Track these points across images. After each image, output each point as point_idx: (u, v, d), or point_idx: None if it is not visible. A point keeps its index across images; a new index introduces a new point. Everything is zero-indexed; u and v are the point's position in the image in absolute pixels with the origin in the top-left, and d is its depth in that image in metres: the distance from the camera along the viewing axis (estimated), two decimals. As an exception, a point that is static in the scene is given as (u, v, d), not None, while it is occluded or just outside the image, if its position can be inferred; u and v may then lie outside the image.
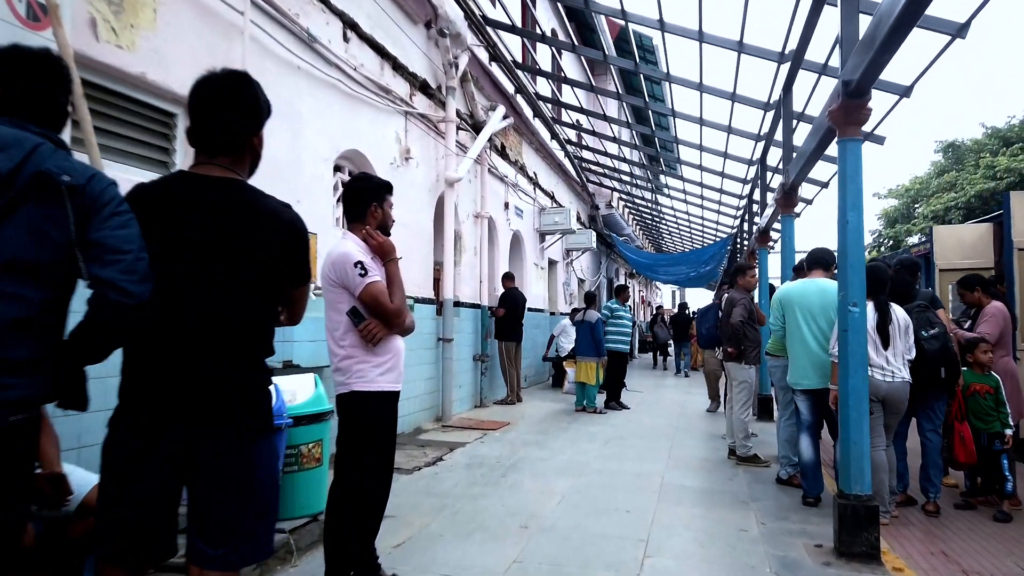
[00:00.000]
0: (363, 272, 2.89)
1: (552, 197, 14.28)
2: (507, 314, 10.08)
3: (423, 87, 7.93)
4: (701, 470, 6.08)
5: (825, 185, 9.84)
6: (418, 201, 7.88)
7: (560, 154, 14.93)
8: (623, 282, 10.84)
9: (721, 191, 14.01)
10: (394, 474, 3.19)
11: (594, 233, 15.90)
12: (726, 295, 6.80)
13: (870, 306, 4.50)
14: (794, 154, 6.57)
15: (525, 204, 12.43)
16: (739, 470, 6.12)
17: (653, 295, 41.22)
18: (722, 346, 6.73)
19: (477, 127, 9.40)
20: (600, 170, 17.69)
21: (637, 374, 16.56)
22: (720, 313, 7.53)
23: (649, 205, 21.51)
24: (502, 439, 7.30)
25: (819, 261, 5.12)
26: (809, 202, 11.37)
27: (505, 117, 10.73)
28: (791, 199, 6.57)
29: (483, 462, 6.14)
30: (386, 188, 3.18)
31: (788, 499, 5.16)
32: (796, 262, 6.90)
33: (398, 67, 7.32)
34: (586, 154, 17.04)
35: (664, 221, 22.40)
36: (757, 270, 8.19)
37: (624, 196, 21.09)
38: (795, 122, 7.54)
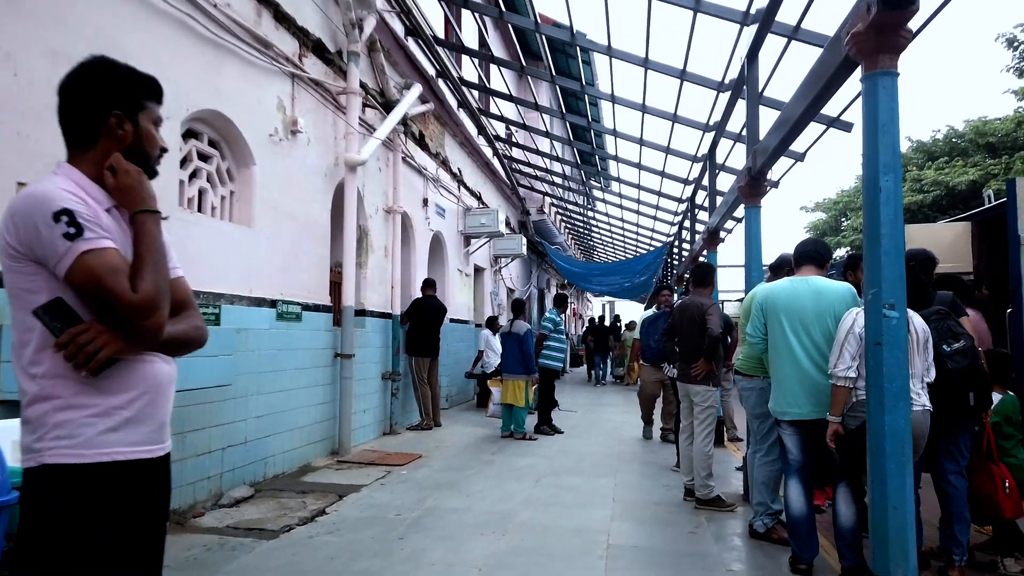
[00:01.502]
0: (73, 230, 1.48)
1: (479, 198, 13.01)
2: (417, 325, 8.71)
3: (317, 48, 6.52)
4: (655, 521, 4.85)
5: (801, 158, 8.45)
6: (310, 186, 6.44)
7: (488, 152, 13.69)
8: (556, 292, 9.53)
9: (660, 193, 13.04)
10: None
11: (524, 238, 14.70)
12: (680, 301, 5.61)
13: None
14: (761, 135, 5.50)
15: (448, 203, 11.10)
16: (701, 518, 4.92)
17: (584, 307, 40.42)
18: (677, 363, 5.55)
19: (389, 107, 8.03)
20: (531, 171, 16.55)
21: (569, 390, 15.39)
22: (673, 323, 6.39)
23: (582, 213, 20.50)
24: (409, 479, 5.91)
25: (810, 255, 3.97)
26: (775, 184, 9.76)
27: (424, 101, 9.43)
28: (757, 186, 5.48)
29: (378, 516, 4.73)
30: (144, 85, 1.75)
31: (771, 563, 3.98)
32: (762, 259, 5.80)
33: (282, 17, 5.90)
34: (517, 153, 15.87)
35: (597, 228, 21.44)
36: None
37: (556, 202, 20.03)
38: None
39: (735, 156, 9.56)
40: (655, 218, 15.47)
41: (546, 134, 12.19)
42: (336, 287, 7.18)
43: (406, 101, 8.09)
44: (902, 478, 2.65)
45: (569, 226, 23.90)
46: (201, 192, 5.14)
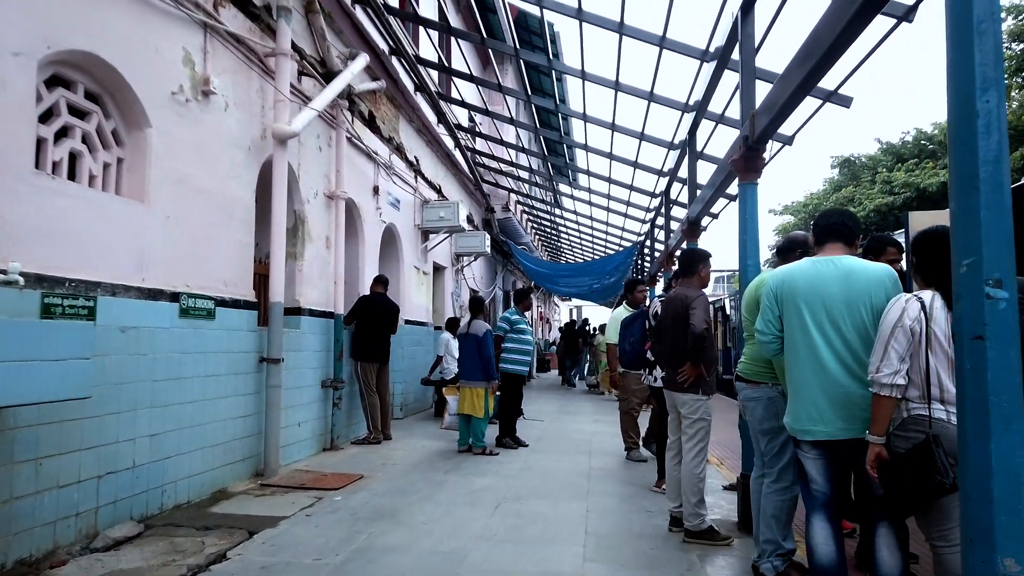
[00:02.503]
0: None
1: (439, 191, 12.06)
2: (364, 326, 7.74)
3: (238, -2, 5.56)
4: (638, 561, 3.96)
5: (790, 141, 7.62)
6: (228, 159, 5.45)
7: (450, 143, 12.77)
8: (516, 288, 8.58)
9: (632, 188, 12.25)
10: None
11: (488, 235, 13.79)
12: (661, 297, 4.72)
13: (936, 300, 2.58)
14: (757, 96, 4.68)
15: (403, 193, 10.14)
16: (693, 555, 4.05)
17: (552, 312, 39.61)
18: (663, 368, 4.69)
19: (331, 78, 7.06)
20: (496, 166, 15.66)
21: (535, 396, 14.50)
22: (651, 321, 5.53)
23: (549, 212, 19.68)
24: (342, 507, 4.94)
25: (836, 229, 3.11)
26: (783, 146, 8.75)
27: (375, 78, 8.48)
28: (755, 158, 4.64)
29: (291, 563, 3.77)
30: None
31: (788, 621, 3.12)
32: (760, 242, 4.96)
33: (190, -46, 4.92)
34: (481, 146, 14.97)
35: (565, 228, 20.63)
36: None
37: (522, 200, 19.16)
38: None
39: (717, 142, 8.89)
40: (626, 215, 14.69)
41: (511, 120, 11.32)
42: (265, 281, 6.19)
43: (350, 71, 7.13)
44: (1018, 540, 1.80)
45: (536, 226, 23.06)
46: (74, 156, 4.13)
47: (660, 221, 13.08)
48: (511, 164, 14.78)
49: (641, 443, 7.14)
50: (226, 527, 4.33)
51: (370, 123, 8.67)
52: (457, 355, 8.43)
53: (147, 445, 4.41)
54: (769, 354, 3.28)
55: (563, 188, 16.70)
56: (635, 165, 10.78)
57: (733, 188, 8.41)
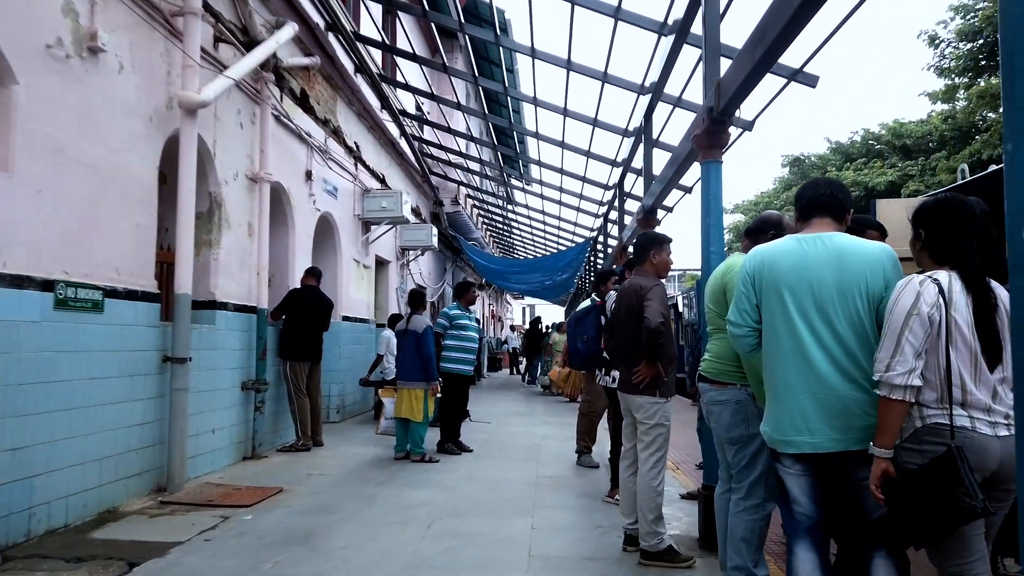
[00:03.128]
0: None
1: (382, 181, 11.39)
2: (294, 322, 7.08)
3: (136, -56, 4.84)
4: (588, 589, 3.43)
5: (749, 127, 7.12)
6: (123, 129, 4.73)
7: (395, 131, 12.10)
8: (474, 289, 7.95)
9: (584, 179, 11.78)
10: None
11: (435, 228, 13.16)
12: (614, 290, 4.17)
13: (954, 282, 2.12)
14: (722, 67, 4.20)
15: (342, 181, 9.46)
16: (650, 582, 3.54)
17: (504, 309, 39.10)
18: (615, 367, 4.17)
19: (254, 47, 6.37)
20: (444, 156, 15.04)
21: (485, 397, 13.93)
22: (606, 317, 5.01)
23: (501, 206, 19.15)
24: (249, 530, 4.29)
25: (824, 202, 2.59)
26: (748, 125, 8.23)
27: (308, 54, 7.81)
28: (719, 133, 4.16)
29: (174, 603, 3.13)
30: None
31: (764, 668, 2.62)
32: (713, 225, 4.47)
33: None
34: (428, 134, 14.34)
35: (517, 224, 20.12)
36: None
37: (473, 194, 18.59)
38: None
39: (674, 129, 8.50)
40: (578, 209, 14.24)
41: (458, 105, 10.73)
42: (167, 269, 5.48)
43: (275, 40, 6.45)
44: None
45: (487, 221, 22.51)
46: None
47: (614, 215, 12.67)
48: (460, 155, 14.17)
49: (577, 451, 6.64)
50: (103, 557, 3.65)
51: (303, 102, 7.97)
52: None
53: (7, 461, 3.69)
54: (743, 350, 2.76)
55: (515, 182, 16.18)
56: (588, 155, 10.31)
57: (688, 178, 8.02)
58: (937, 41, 18.28)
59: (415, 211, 13.90)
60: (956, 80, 18.39)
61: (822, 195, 2.60)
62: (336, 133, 9.15)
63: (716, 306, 3.25)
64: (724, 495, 3.27)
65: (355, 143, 10.02)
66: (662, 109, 7.43)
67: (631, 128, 8.70)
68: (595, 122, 8.88)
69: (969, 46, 17.44)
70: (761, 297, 2.59)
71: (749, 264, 2.64)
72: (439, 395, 7.01)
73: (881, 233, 3.57)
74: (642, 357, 3.78)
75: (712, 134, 4.17)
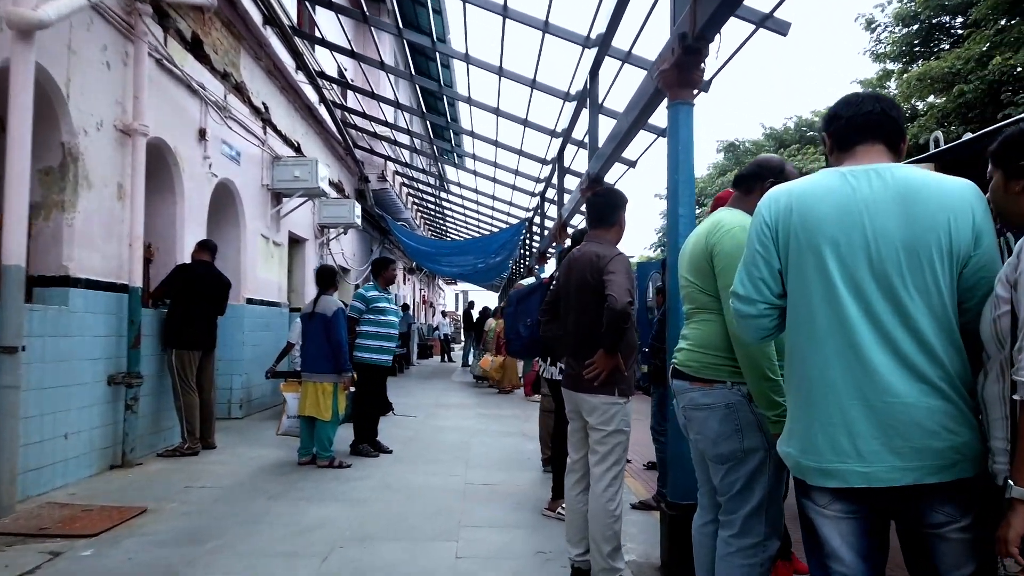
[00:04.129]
0: None
1: (298, 149, 10.25)
2: (183, 303, 6.02)
3: None
4: (526, 652, 2.60)
5: (706, 87, 6.47)
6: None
7: (314, 97, 10.95)
8: (394, 266, 6.90)
9: (521, 153, 10.93)
10: None
11: (357, 205, 12.08)
12: (570, 256, 3.30)
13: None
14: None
15: (247, 145, 8.31)
16: (606, 636, 2.73)
17: (436, 295, 38.02)
18: (564, 358, 3.33)
19: (123, -29, 5.23)
20: (370, 128, 13.93)
21: (413, 387, 12.97)
22: (556, 296, 4.17)
23: (432, 184, 18.13)
24: (85, 570, 3.28)
25: (875, 123, 1.75)
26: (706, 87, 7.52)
27: (200, -9, 6.65)
28: (691, 68, 3.35)
29: None
30: None
31: None
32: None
33: None
34: (352, 103, 13.22)
35: (449, 202, 19.12)
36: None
37: (402, 171, 17.50)
38: None
39: (621, 89, 7.75)
40: (514, 187, 13.38)
41: (381, 64, 9.69)
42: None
43: (149, -39, 5.33)
44: None
45: (417, 202, 21.44)
46: None
47: (551, 193, 11.89)
48: (387, 124, 13.09)
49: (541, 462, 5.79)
50: None
51: (195, 49, 6.82)
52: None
53: None
54: (752, 336, 1.92)
55: (447, 157, 15.21)
56: (526, 123, 9.45)
57: (632, 151, 7.19)
58: (874, 25, 18.18)
59: (336, 186, 12.78)
60: (890, 66, 18.34)
61: (870, 113, 1.79)
62: (239, 90, 8.00)
63: (698, 278, 2.43)
64: (707, 528, 2.48)
65: (263, 104, 8.87)
66: (610, 67, 6.62)
67: (573, 92, 7.87)
68: (534, 84, 8.02)
69: (905, 30, 17.37)
70: (787, 258, 1.77)
71: (769, 210, 1.81)
72: (352, 389, 6.05)
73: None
74: (597, 346, 2.96)
75: (683, 68, 3.38)
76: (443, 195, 18.97)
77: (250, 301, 8.36)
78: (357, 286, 14.43)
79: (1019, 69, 13.69)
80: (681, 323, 3.28)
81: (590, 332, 3.02)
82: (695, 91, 3.46)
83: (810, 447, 1.69)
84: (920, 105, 16.45)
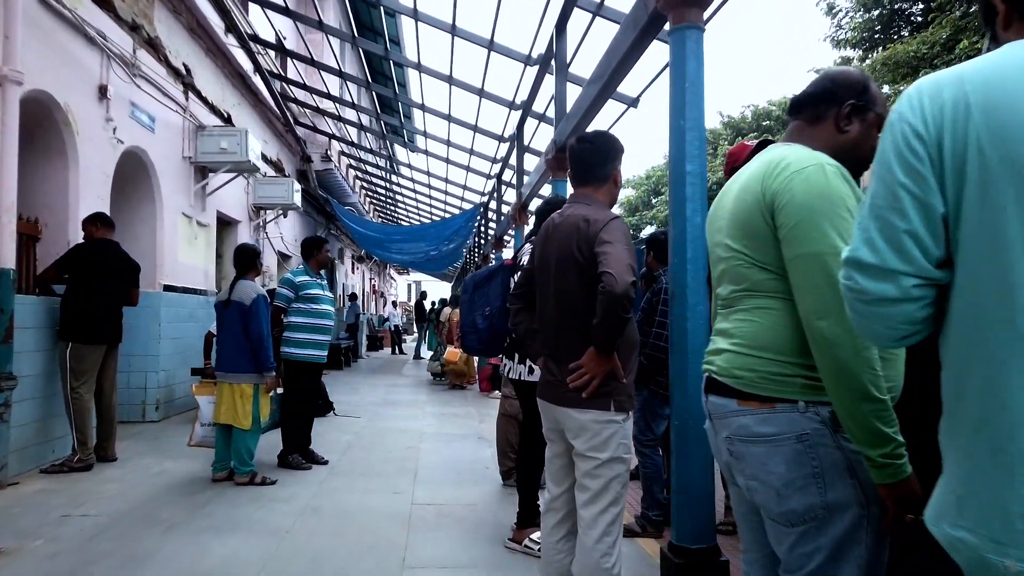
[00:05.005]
0: None
1: (228, 120, 9.21)
2: (81, 289, 5.04)
3: None
4: None
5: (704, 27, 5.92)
6: None
7: (248, 65, 9.91)
8: (327, 247, 5.90)
9: (476, 129, 10.08)
10: None
11: (297, 184, 11.07)
12: (548, 223, 2.47)
13: None
14: None
15: (162, 110, 7.28)
16: None
17: (387, 285, 36.86)
18: (539, 359, 2.51)
19: None
20: (313, 103, 12.90)
21: (360, 382, 12.04)
22: (529, 276, 3.35)
23: (382, 167, 17.13)
24: None
25: None
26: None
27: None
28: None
29: None
30: None
31: None
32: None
33: None
34: (292, 74, 12.18)
35: (400, 186, 18.12)
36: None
37: (348, 150, 16.46)
38: None
39: (591, 50, 6.96)
40: (468, 168, 12.51)
41: (319, 25, 8.71)
42: None
43: None
44: None
45: (367, 187, 20.38)
46: None
47: (508, 175, 11.09)
48: (331, 98, 12.07)
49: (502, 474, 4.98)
50: None
51: (95, -8, 5.79)
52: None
53: None
54: (884, 333, 1.09)
55: (399, 144, 14.24)
56: (481, 94, 8.60)
57: (607, 113, 6.41)
58: (835, 10, 17.83)
59: (275, 164, 11.73)
60: (850, 53, 18.03)
61: None
62: (152, 46, 6.96)
63: (748, 246, 1.63)
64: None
65: (184, 65, 7.82)
66: (579, 19, 5.81)
67: (535, 55, 7.06)
68: (491, 45, 7.17)
69: (867, 16, 17.04)
70: (961, 195, 0.99)
71: (923, 110, 1.02)
72: (280, 390, 5.15)
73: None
74: (586, 344, 2.16)
75: None
76: (393, 179, 17.99)
77: (169, 288, 7.35)
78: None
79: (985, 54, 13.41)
80: (703, 311, 2.52)
81: (577, 325, 2.23)
82: (704, 9, 2.68)
83: (1006, 526, 0.93)
84: (886, 89, 16.13)
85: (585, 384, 2.16)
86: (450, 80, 8.56)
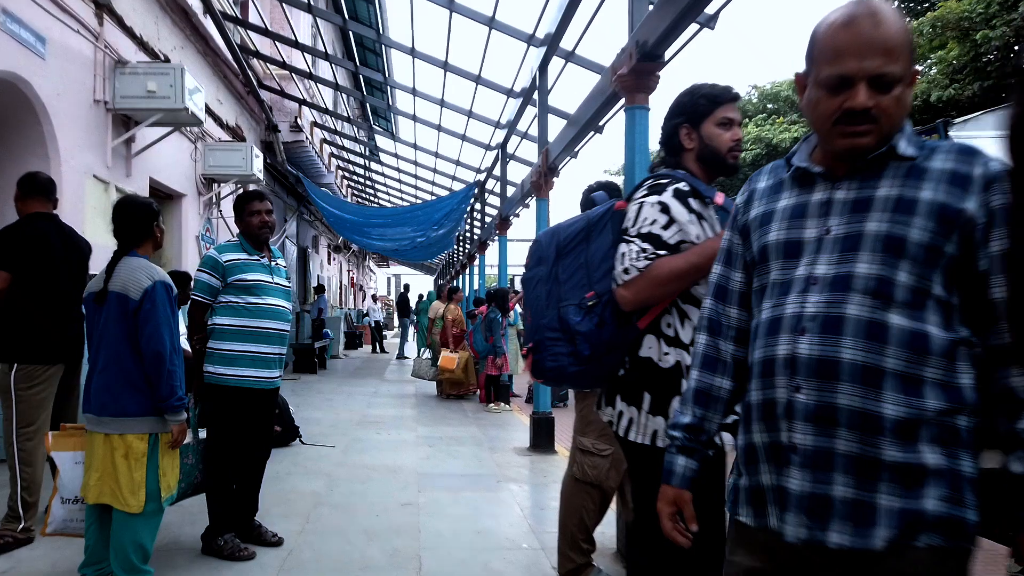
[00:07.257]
0: None
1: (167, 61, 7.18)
2: (21, 288, 3.15)
3: None
4: None
5: (711, 23, 4.15)
6: None
7: (198, 6, 7.91)
8: (263, 203, 3.80)
9: (471, 115, 8.18)
10: None
11: (257, 151, 9.04)
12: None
13: None
14: None
15: (58, 28, 5.27)
16: None
17: (367, 277, 34.68)
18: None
19: None
20: (280, 58, 10.88)
21: (334, 390, 10.03)
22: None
23: (361, 141, 15.13)
24: None
25: None
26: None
27: None
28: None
29: None
30: None
31: None
32: None
33: None
34: (253, 17, 10.17)
35: (382, 164, 16.08)
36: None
37: (320, 120, 14.43)
38: None
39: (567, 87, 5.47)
40: (464, 137, 10.56)
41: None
42: None
43: None
44: None
45: (345, 170, 18.35)
46: None
47: (514, 147, 9.20)
48: (300, 47, 10.04)
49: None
50: None
51: None
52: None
53: None
54: None
55: (380, 117, 12.27)
56: (478, 81, 6.72)
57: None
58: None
59: (234, 131, 9.71)
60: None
61: None
62: (40, -65, 4.94)
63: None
64: None
65: (97, -21, 5.80)
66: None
67: (538, 35, 5.19)
68: (492, 21, 5.22)
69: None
70: None
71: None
72: (194, 437, 3.20)
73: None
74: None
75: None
76: (372, 155, 15.97)
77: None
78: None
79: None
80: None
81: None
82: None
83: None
84: (930, 58, 14.46)
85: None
86: (446, 67, 6.64)
